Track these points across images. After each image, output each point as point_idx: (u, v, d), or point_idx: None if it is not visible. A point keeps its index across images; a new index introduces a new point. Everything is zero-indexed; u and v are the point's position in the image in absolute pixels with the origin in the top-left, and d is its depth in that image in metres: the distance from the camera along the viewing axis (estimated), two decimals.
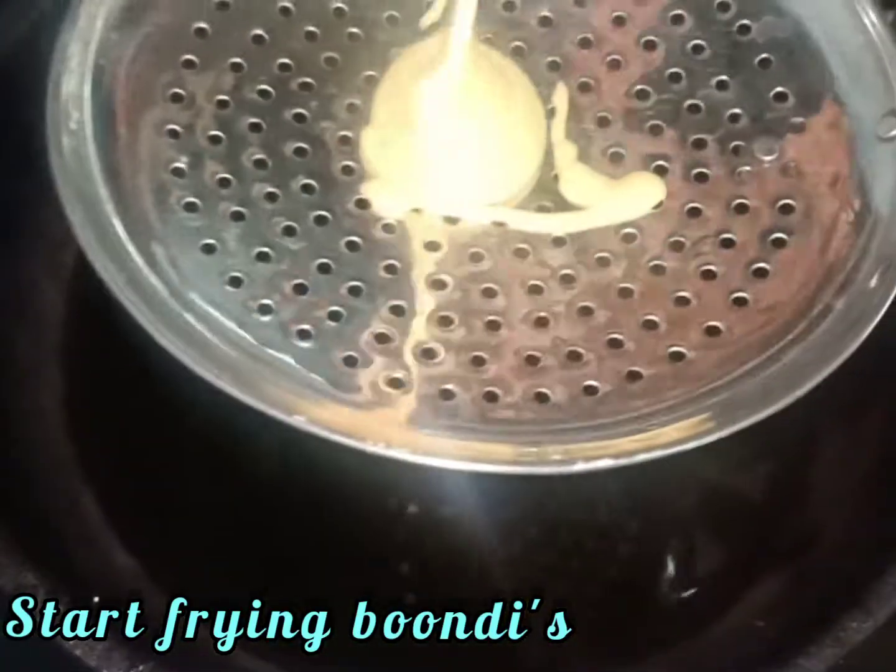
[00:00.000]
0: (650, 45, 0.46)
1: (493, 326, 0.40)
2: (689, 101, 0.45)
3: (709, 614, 0.44)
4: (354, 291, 0.40)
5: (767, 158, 0.44)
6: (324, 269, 0.40)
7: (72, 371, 0.51)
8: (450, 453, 0.36)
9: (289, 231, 0.41)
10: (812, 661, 0.40)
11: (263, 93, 0.43)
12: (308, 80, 0.44)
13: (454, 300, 0.41)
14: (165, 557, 0.47)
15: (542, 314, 0.41)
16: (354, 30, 0.45)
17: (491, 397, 0.38)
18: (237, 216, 0.41)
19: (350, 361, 0.39)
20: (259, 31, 0.44)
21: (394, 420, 0.37)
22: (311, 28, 0.45)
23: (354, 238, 0.41)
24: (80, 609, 0.40)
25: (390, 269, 0.41)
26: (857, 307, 0.40)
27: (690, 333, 0.40)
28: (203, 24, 0.44)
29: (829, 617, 0.41)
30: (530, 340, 0.40)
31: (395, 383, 0.38)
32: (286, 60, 0.44)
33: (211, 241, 0.40)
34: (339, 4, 0.45)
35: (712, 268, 0.42)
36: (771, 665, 0.41)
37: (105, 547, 0.46)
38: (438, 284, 0.41)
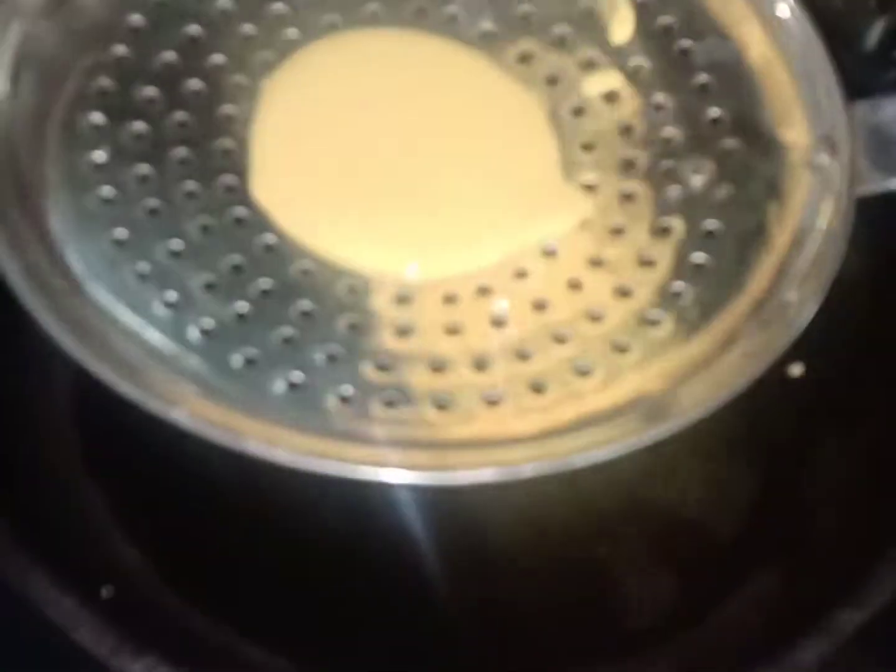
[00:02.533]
0: (590, 63, 0.45)
1: (401, 333, 0.40)
2: (623, 121, 0.44)
3: (703, 607, 0.44)
4: (267, 293, 0.40)
5: (697, 182, 0.43)
6: (237, 269, 0.40)
7: (75, 369, 0.50)
8: (335, 455, 0.35)
9: (205, 229, 0.41)
10: (805, 654, 0.40)
11: (194, 91, 0.43)
12: (242, 79, 0.44)
13: (366, 306, 0.40)
14: (170, 555, 0.47)
15: (454, 320, 0.40)
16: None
17: (388, 403, 0.38)
18: (153, 212, 0.40)
19: (252, 363, 0.38)
20: (195, 29, 0.44)
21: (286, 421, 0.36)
22: (249, 29, 0.45)
23: (272, 239, 0.41)
24: (82, 606, 0.40)
25: (306, 272, 0.41)
26: (768, 342, 0.39)
27: (598, 351, 0.40)
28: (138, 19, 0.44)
29: (822, 610, 0.41)
30: (437, 346, 0.39)
31: (296, 388, 0.38)
32: (221, 59, 0.44)
33: (121, 235, 0.40)
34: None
35: (630, 287, 0.41)
36: (765, 658, 0.41)
37: (109, 544, 0.46)
38: (353, 291, 0.41)
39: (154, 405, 0.35)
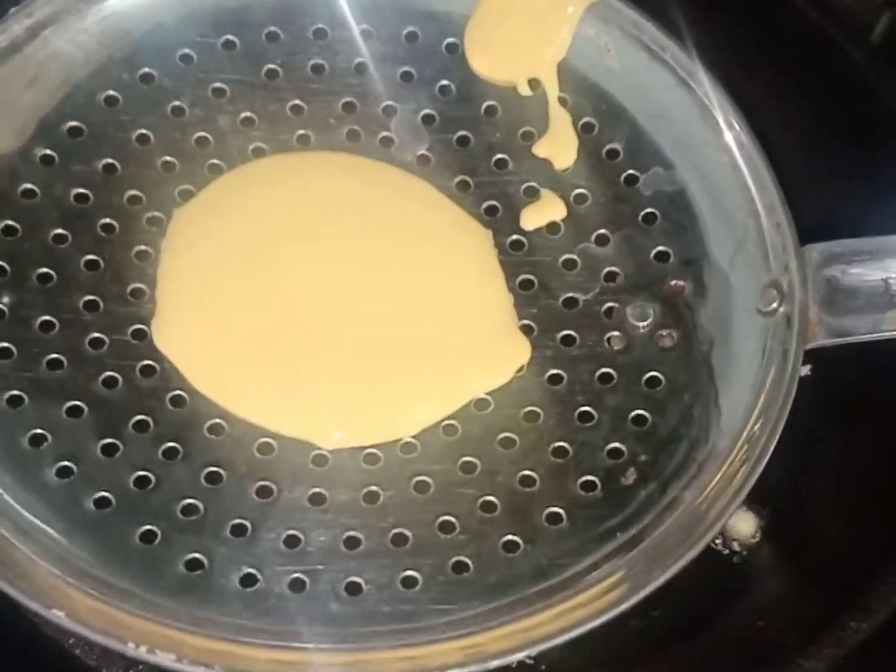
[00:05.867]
0: (531, 192, 0.43)
1: (316, 500, 0.37)
2: (565, 256, 0.42)
3: (709, 614, 0.42)
4: (170, 454, 0.37)
5: (641, 324, 0.40)
6: (140, 427, 0.37)
7: None
8: (228, 660, 0.33)
9: (109, 384, 0.38)
10: (811, 661, 0.39)
11: (107, 227, 0.41)
12: (157, 214, 0.41)
13: (280, 466, 0.37)
14: None
15: (373, 487, 0.37)
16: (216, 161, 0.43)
17: (297, 586, 0.35)
18: (53, 367, 0.38)
19: (148, 538, 0.36)
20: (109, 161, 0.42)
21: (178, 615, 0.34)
22: (168, 158, 0.42)
23: (180, 392, 0.38)
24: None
25: (215, 429, 0.38)
26: (709, 503, 0.36)
27: (529, 520, 0.37)
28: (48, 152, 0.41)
29: (828, 617, 0.40)
30: (355, 516, 0.37)
31: (194, 565, 0.35)
32: (136, 192, 0.42)
33: (15, 396, 0.37)
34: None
35: (565, 445, 0.38)
36: (771, 665, 0.40)
37: None
38: (265, 449, 0.38)
39: (33, 604, 0.33)
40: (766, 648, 0.41)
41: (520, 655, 0.33)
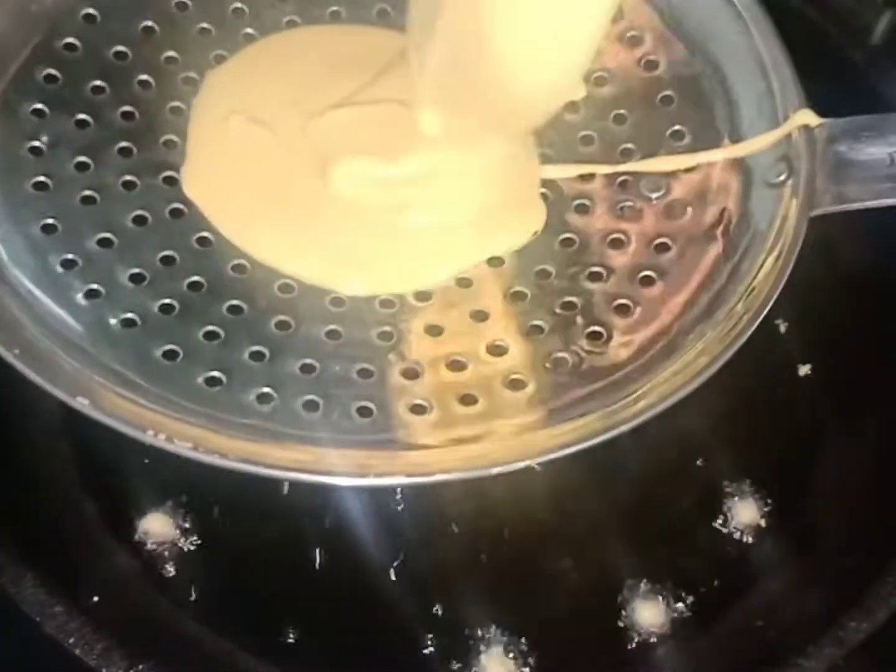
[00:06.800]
0: None
1: (332, 335, 0.39)
2: (584, 132, 0.43)
3: (709, 614, 0.43)
4: (194, 286, 0.39)
5: (653, 195, 0.42)
6: (167, 261, 0.39)
7: None
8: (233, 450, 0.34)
9: (139, 221, 0.40)
10: (811, 662, 0.40)
11: (143, 83, 0.43)
12: (192, 74, 0.43)
13: (299, 305, 0.39)
14: (165, 557, 0.45)
15: (387, 328, 0.39)
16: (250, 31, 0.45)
17: (311, 406, 0.37)
18: (87, 200, 0.40)
19: (170, 355, 0.37)
20: (150, 23, 0.44)
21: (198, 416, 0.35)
22: (205, 24, 0.44)
23: (206, 234, 0.40)
24: (79, 609, 0.39)
25: (238, 268, 0.40)
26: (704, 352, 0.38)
27: (535, 363, 0.38)
28: (91, 10, 0.43)
29: (828, 617, 0.41)
30: (362, 353, 0.38)
31: (213, 382, 0.37)
32: (173, 54, 0.43)
33: (51, 222, 0.39)
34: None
35: (573, 300, 0.40)
36: (771, 665, 0.40)
37: (105, 547, 0.45)
38: (286, 289, 0.40)
39: (59, 392, 0.34)
40: (766, 648, 0.41)
41: (521, 464, 0.34)
